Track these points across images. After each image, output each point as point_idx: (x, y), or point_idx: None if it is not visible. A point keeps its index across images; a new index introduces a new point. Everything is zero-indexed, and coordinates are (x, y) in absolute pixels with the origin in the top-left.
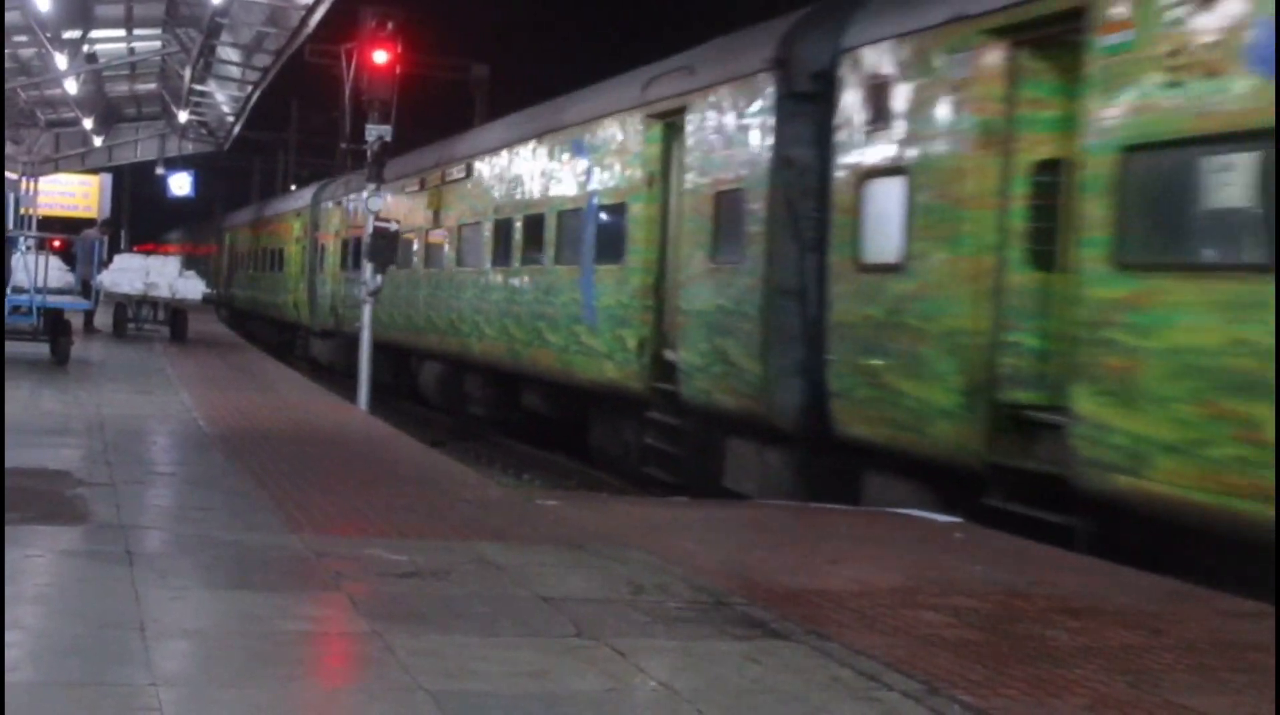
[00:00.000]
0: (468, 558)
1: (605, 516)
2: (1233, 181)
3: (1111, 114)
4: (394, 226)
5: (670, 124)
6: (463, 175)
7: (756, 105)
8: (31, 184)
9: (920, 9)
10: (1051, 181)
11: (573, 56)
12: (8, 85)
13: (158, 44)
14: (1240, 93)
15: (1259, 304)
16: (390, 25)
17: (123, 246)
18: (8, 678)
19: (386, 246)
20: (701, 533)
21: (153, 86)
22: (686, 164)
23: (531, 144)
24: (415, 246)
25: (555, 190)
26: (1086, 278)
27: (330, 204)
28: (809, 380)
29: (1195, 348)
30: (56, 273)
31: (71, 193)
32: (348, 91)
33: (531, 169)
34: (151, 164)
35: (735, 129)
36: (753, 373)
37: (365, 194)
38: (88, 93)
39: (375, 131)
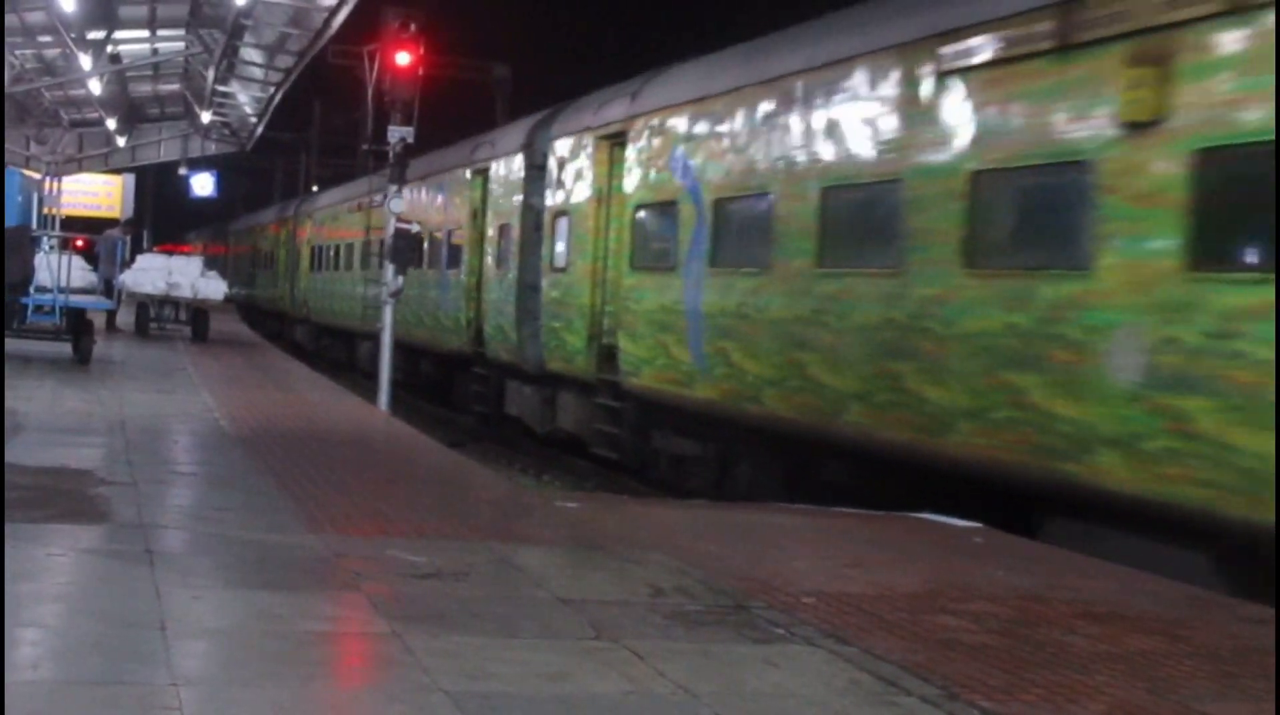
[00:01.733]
0: (487, 559)
1: (624, 518)
2: (667, 226)
3: (630, 187)
4: (415, 228)
5: (485, 177)
6: (382, 201)
7: (516, 172)
8: (55, 184)
9: (576, 119)
10: (622, 223)
11: (594, 56)
12: (33, 85)
13: (181, 45)
14: (666, 182)
15: (671, 287)
16: (413, 27)
17: (145, 246)
18: (29, 675)
19: (408, 247)
20: (721, 536)
21: (176, 87)
22: (488, 205)
23: (420, 183)
24: (355, 254)
25: (430, 217)
26: (623, 274)
27: (306, 215)
28: (539, 341)
29: (652, 309)
30: (79, 272)
31: (95, 192)
32: (370, 93)
33: (421, 201)
34: (174, 164)
35: (507, 185)
36: (513, 338)
37: (387, 196)
38: (111, 93)
39: (397, 133)
